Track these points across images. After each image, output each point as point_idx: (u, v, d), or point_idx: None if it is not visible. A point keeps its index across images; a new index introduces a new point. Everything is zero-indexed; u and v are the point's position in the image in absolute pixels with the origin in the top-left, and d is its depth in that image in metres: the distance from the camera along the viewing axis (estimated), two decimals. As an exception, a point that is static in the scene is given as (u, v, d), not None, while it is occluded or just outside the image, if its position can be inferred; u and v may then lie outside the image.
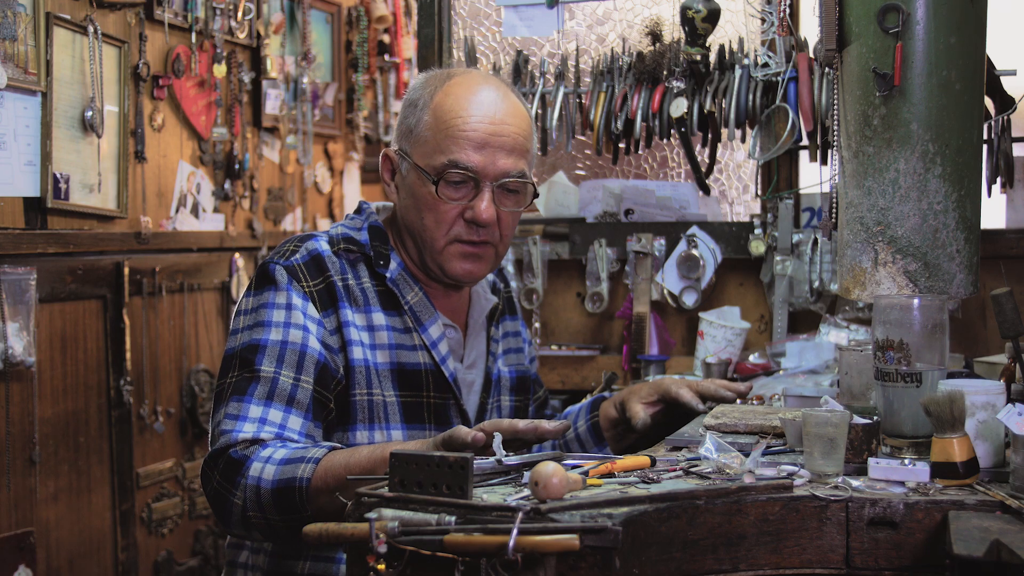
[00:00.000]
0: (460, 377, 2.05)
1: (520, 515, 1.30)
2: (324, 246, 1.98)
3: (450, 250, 1.97)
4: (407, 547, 1.32)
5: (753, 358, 2.84)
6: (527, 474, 1.53)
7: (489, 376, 2.13)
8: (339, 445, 1.81)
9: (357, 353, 1.92)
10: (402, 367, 1.97)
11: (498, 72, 3.03)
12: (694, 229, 3.01)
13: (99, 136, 3.02)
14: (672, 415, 2.14)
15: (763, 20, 2.70)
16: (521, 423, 1.65)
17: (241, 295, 1.99)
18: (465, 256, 1.98)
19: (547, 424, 1.66)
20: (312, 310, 1.91)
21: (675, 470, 1.61)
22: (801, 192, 2.95)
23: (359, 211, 2.10)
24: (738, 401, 2.12)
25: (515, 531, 1.27)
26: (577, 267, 3.14)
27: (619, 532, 1.30)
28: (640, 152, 3.01)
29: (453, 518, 1.35)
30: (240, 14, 3.65)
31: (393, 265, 2.01)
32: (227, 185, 3.70)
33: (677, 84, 2.77)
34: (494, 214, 1.96)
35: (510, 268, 3.08)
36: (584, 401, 2.32)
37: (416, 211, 1.98)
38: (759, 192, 3.01)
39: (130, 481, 3.22)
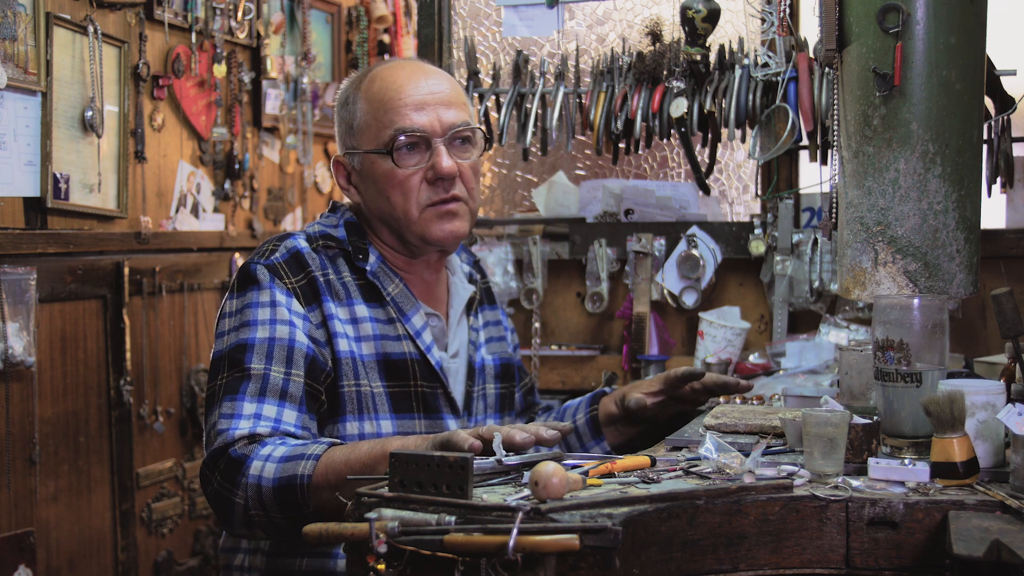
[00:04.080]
0: (445, 366, 2.06)
1: (520, 515, 1.30)
2: (303, 243, 2.00)
3: (425, 216, 2.00)
4: (407, 547, 1.32)
5: (753, 358, 2.85)
6: (527, 474, 1.53)
7: (472, 365, 2.14)
8: (338, 441, 1.81)
9: (343, 345, 1.94)
10: (388, 357, 1.98)
11: (498, 72, 3.03)
12: (694, 229, 3.01)
13: (99, 136, 3.02)
14: (674, 411, 2.15)
15: (763, 20, 2.70)
16: (518, 436, 1.61)
17: (224, 297, 2.01)
18: (441, 217, 2.01)
19: (545, 433, 1.64)
20: (296, 305, 1.93)
21: (675, 470, 1.61)
22: (801, 192, 2.95)
23: (334, 210, 2.13)
24: (738, 401, 2.13)
25: (515, 531, 1.27)
26: (577, 267, 3.14)
27: (619, 532, 1.30)
28: (640, 152, 3.01)
29: (453, 518, 1.35)
30: (240, 14, 3.65)
31: (372, 258, 2.04)
32: (227, 185, 3.70)
33: (677, 84, 2.77)
34: (454, 165, 1.99)
35: (510, 264, 3.08)
36: (585, 395, 2.32)
37: (382, 195, 2.02)
38: (759, 192, 3.01)
39: (130, 481, 3.21)
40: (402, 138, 1.98)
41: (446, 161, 1.99)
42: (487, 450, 1.59)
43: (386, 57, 4.50)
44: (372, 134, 2.02)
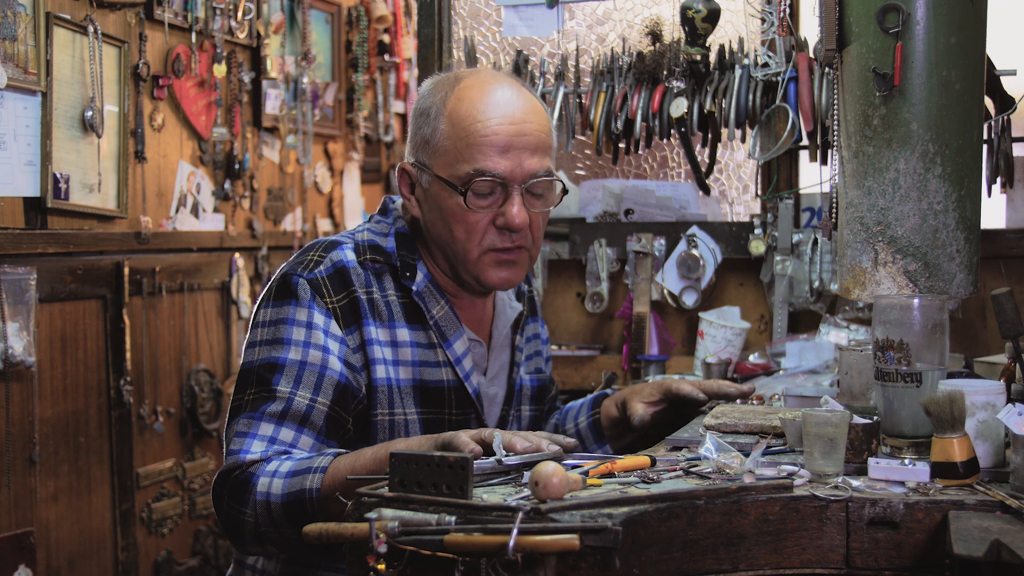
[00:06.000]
0: (483, 391, 2.01)
1: (520, 515, 1.30)
2: (349, 255, 1.92)
3: (484, 260, 1.91)
4: (407, 547, 1.32)
5: (753, 358, 2.84)
6: (527, 474, 1.53)
7: (512, 387, 2.09)
8: (343, 451, 1.78)
9: (380, 372, 1.88)
10: (424, 384, 1.93)
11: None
12: (694, 229, 3.01)
13: (99, 136, 3.02)
14: (674, 415, 2.14)
15: (763, 20, 2.70)
16: (519, 445, 1.60)
17: (259, 302, 1.94)
18: (500, 264, 1.92)
19: (547, 448, 1.62)
20: (335, 328, 1.86)
21: (675, 470, 1.60)
22: (801, 192, 2.95)
23: (385, 211, 2.03)
24: (738, 401, 2.12)
25: (515, 531, 1.27)
26: (577, 267, 3.14)
27: (619, 532, 1.30)
28: (640, 152, 3.01)
29: (453, 518, 1.35)
30: (240, 14, 3.66)
31: (420, 277, 1.95)
32: (227, 185, 3.70)
33: (677, 84, 2.77)
34: (527, 218, 1.89)
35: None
36: (587, 397, 2.31)
37: (444, 224, 1.91)
38: (759, 192, 3.01)
39: (130, 481, 3.22)
40: (480, 180, 1.86)
41: (519, 214, 1.87)
42: (488, 453, 1.59)
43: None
44: (448, 160, 1.88)
